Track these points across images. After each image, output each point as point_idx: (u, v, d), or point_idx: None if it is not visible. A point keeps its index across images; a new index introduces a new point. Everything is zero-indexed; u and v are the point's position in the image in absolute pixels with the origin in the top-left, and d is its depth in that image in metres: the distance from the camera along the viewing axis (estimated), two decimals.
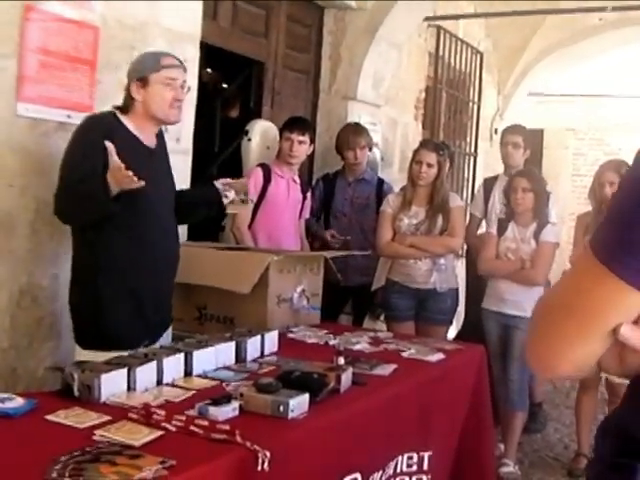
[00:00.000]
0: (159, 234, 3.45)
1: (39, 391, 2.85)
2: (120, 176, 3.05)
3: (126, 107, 3.39)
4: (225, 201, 3.70)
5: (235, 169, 6.01)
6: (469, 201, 7.69)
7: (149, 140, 3.46)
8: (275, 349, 3.42)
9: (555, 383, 7.90)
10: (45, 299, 3.84)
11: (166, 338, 3.60)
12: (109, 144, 3.11)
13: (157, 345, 3.40)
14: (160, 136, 3.59)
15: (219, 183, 3.73)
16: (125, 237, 3.31)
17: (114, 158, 3.09)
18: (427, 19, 7.33)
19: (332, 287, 4.50)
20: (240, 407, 2.44)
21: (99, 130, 3.26)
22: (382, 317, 5.91)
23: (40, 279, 3.82)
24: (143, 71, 3.36)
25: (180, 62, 3.47)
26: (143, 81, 3.34)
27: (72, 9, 3.78)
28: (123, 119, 3.36)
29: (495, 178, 6.05)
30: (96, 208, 3.21)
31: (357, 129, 5.89)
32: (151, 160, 3.44)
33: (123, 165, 3.05)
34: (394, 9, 6.45)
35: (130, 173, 3.03)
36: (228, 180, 3.78)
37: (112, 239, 3.31)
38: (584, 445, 5.37)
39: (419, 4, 6.78)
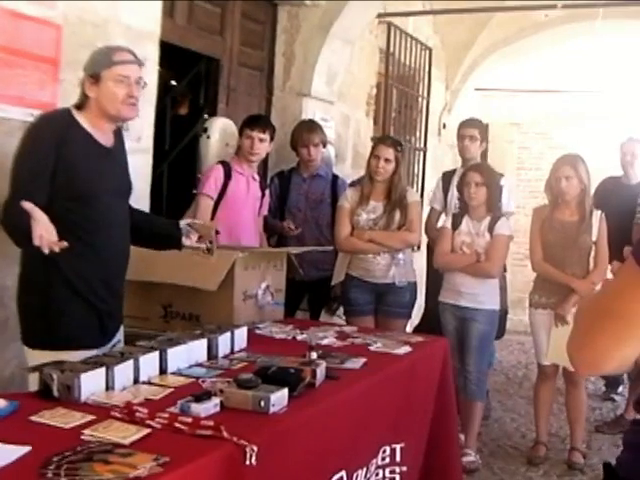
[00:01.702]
0: (112, 234, 3.36)
1: (16, 392, 2.83)
2: (46, 238, 2.93)
3: (81, 104, 3.31)
4: (186, 242, 3.65)
5: (186, 166, 6.02)
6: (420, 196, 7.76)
7: (105, 138, 3.37)
8: (244, 345, 3.44)
9: (508, 374, 8.04)
10: (9, 299, 3.80)
11: (118, 337, 3.51)
12: (27, 204, 2.96)
13: (111, 345, 3.38)
14: (118, 134, 3.51)
15: (184, 223, 3.69)
16: (76, 237, 3.18)
17: (36, 216, 2.94)
18: (379, 16, 7.38)
19: (289, 282, 4.52)
20: (221, 403, 2.47)
21: (50, 132, 3.19)
22: (338, 312, 5.97)
23: (3, 279, 3.79)
24: (95, 67, 3.27)
25: (135, 57, 3.36)
26: (95, 78, 3.25)
27: (33, 7, 3.76)
28: (78, 117, 3.27)
29: (453, 172, 6.14)
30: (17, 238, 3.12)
31: (311, 126, 5.93)
32: (106, 160, 3.35)
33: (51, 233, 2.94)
34: (347, 6, 6.49)
35: (55, 239, 2.93)
36: (195, 221, 3.77)
37: (63, 239, 3.23)
38: (542, 434, 5.50)
39: (371, 2, 6.84)
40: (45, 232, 2.91)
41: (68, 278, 3.24)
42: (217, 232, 3.77)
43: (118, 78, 3.25)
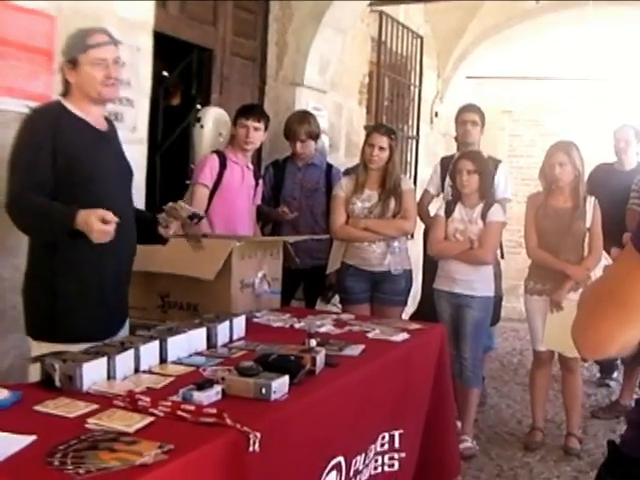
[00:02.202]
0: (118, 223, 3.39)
1: (18, 383, 2.84)
2: (98, 228, 3.00)
3: (65, 90, 3.32)
4: (162, 232, 3.61)
5: (179, 157, 6.01)
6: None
7: (98, 123, 3.38)
8: (243, 334, 3.46)
9: (503, 361, 8.07)
10: (6, 290, 3.81)
11: (124, 331, 3.52)
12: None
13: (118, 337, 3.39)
14: (110, 122, 3.53)
15: (161, 217, 3.62)
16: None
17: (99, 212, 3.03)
18: (371, 4, 7.38)
19: (284, 271, 4.52)
20: (222, 391, 2.49)
21: (44, 124, 3.21)
22: (333, 300, 5.99)
23: (0, 270, 3.79)
24: (71, 52, 3.28)
25: (110, 37, 3.35)
26: (73, 62, 3.26)
27: None
28: (68, 105, 3.29)
29: (452, 157, 6.14)
30: (49, 232, 3.17)
31: (301, 118, 5.90)
32: (102, 143, 3.37)
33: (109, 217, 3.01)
34: None
35: (112, 228, 3.02)
36: (170, 205, 3.62)
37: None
38: (539, 419, 5.53)
39: None
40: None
41: (76, 270, 3.26)
42: (199, 217, 3.70)
43: (95, 61, 3.26)
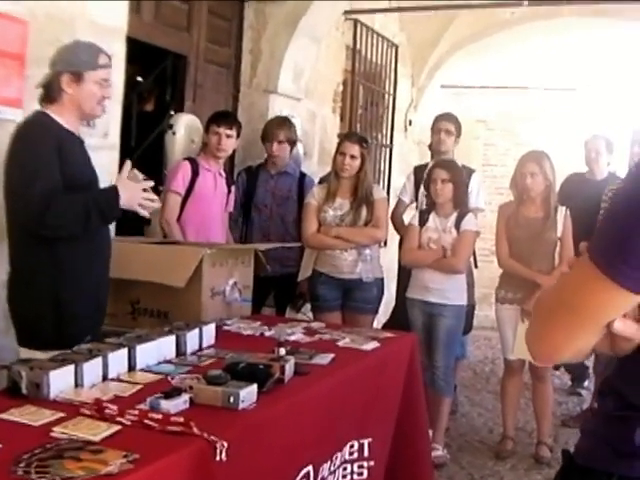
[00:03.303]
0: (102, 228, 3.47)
1: None
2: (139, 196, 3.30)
3: (53, 97, 3.32)
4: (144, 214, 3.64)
5: (153, 163, 5.99)
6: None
7: (77, 131, 3.45)
8: (213, 342, 3.44)
9: (475, 369, 8.09)
10: None
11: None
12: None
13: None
14: None
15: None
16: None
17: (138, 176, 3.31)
18: (345, 13, 7.39)
19: (254, 279, 4.51)
20: (190, 400, 2.48)
21: (45, 131, 3.25)
22: (303, 309, 5.98)
23: None
24: (78, 65, 3.31)
25: (110, 60, 3.46)
26: (77, 76, 3.29)
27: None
28: (54, 116, 3.31)
29: (425, 166, 6.16)
30: (101, 219, 3.29)
31: (280, 122, 5.94)
32: (83, 150, 3.45)
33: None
34: (314, 3, 6.50)
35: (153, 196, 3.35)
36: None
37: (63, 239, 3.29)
38: (510, 428, 5.55)
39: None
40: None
41: (74, 277, 3.31)
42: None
43: (100, 82, 3.36)
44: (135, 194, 3.35)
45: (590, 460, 1.54)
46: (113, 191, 3.29)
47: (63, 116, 3.34)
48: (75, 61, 3.34)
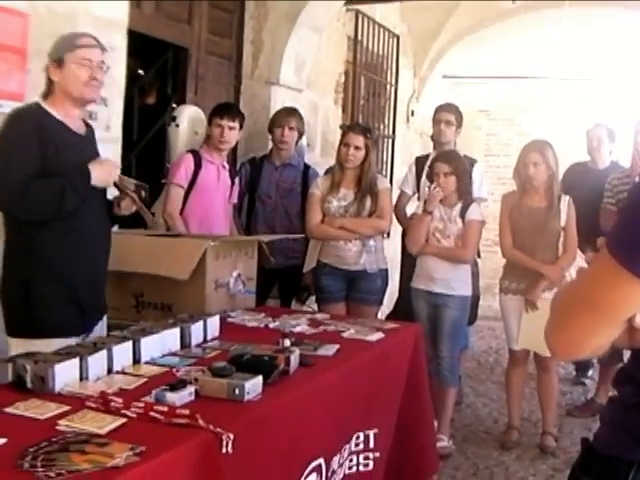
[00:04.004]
0: (90, 219, 3.42)
1: None
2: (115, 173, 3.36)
3: (47, 91, 3.37)
4: (116, 210, 3.63)
5: (155, 156, 5.99)
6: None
7: (77, 126, 3.45)
8: (217, 334, 3.44)
9: (480, 359, 8.09)
10: None
11: (101, 327, 3.59)
12: None
13: (94, 335, 3.40)
14: (88, 125, 3.59)
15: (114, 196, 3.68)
16: (59, 225, 3.31)
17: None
18: (347, 3, 7.37)
19: (259, 271, 4.52)
20: (195, 392, 2.47)
21: (30, 123, 3.26)
22: (308, 301, 5.98)
23: None
24: (59, 52, 3.35)
25: (97, 42, 3.43)
26: (59, 62, 3.32)
27: None
28: (47, 107, 3.34)
29: (427, 157, 6.15)
30: (73, 201, 3.27)
31: (291, 110, 5.98)
32: (80, 147, 3.43)
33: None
34: None
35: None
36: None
37: (43, 225, 3.29)
38: (515, 418, 5.54)
39: None
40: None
41: (50, 266, 3.31)
42: (144, 187, 3.67)
43: (81, 61, 3.34)
44: (110, 171, 3.41)
45: (609, 448, 1.54)
46: (84, 169, 3.31)
47: (56, 107, 3.35)
48: (55, 49, 3.38)
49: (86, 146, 3.50)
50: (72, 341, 3.07)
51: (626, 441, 1.50)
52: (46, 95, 3.37)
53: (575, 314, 1.40)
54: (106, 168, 3.42)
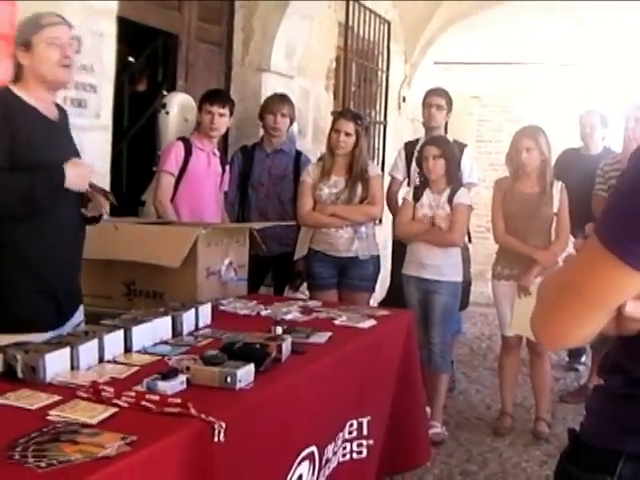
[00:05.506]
0: (65, 210, 3.30)
1: None
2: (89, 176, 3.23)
3: (17, 76, 3.26)
4: (83, 211, 3.46)
5: (145, 144, 5.96)
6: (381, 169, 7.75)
7: (48, 111, 3.32)
8: (209, 322, 3.42)
9: (472, 346, 8.10)
10: None
11: (78, 317, 3.48)
12: None
13: (70, 325, 3.35)
14: (60, 108, 3.46)
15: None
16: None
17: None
18: None
19: (252, 258, 4.51)
20: (187, 380, 2.46)
21: None
22: (302, 288, 5.97)
23: None
24: (25, 35, 3.24)
25: (63, 19, 3.31)
26: (26, 45, 3.20)
27: None
28: (17, 92, 3.22)
29: (416, 142, 6.14)
30: (46, 201, 3.17)
31: (282, 97, 5.96)
32: (53, 132, 3.32)
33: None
34: None
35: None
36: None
37: (15, 218, 3.18)
38: (508, 404, 5.55)
39: None
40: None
41: (22, 258, 3.20)
42: (109, 194, 3.54)
43: (49, 40, 3.22)
44: (84, 173, 3.26)
45: (597, 438, 1.53)
46: (59, 170, 3.16)
47: (28, 91, 3.23)
48: (20, 33, 3.28)
49: (58, 132, 3.38)
50: (46, 336, 2.95)
51: (614, 432, 1.49)
52: (15, 81, 3.25)
53: (563, 303, 1.38)
54: (81, 172, 3.27)
